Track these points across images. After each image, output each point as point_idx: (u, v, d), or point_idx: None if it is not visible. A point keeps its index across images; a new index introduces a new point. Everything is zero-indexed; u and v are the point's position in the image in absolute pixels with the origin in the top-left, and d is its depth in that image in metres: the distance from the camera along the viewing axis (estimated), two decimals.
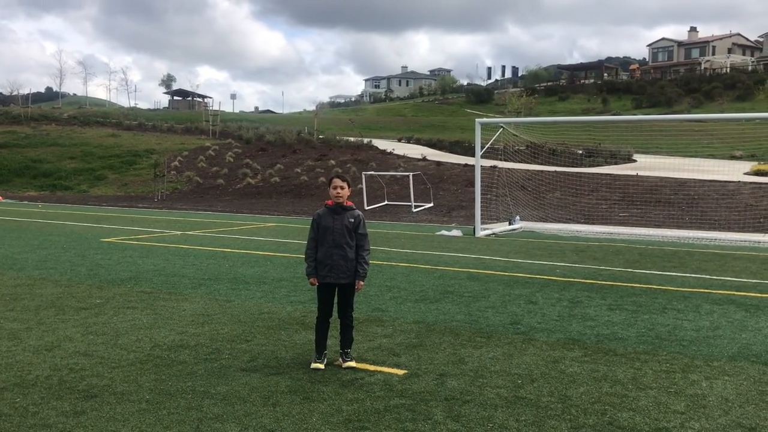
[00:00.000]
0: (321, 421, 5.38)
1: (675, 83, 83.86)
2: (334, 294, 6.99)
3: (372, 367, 6.85)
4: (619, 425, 5.39)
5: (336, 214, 6.87)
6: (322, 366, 6.79)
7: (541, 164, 33.02)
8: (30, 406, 5.64)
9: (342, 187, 6.84)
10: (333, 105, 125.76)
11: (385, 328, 8.56)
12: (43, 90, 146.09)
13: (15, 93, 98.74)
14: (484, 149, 23.17)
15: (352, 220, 6.86)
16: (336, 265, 6.81)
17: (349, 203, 6.96)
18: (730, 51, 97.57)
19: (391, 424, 5.35)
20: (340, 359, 6.93)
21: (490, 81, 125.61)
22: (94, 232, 20.65)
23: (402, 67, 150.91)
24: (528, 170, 31.71)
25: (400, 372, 6.72)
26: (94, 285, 11.37)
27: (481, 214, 22.43)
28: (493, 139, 24.15)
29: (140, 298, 10.33)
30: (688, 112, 58.93)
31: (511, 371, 6.79)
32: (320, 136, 53.94)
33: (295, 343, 7.77)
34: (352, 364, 6.86)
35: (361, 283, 6.96)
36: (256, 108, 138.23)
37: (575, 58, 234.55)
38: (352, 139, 51.67)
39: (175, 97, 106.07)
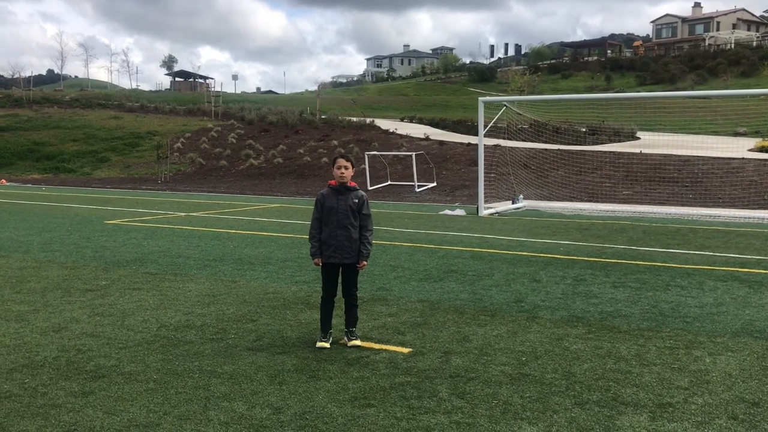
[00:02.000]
0: (327, 399, 5.43)
1: (679, 60, 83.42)
2: (338, 274, 7.02)
3: (377, 346, 6.90)
4: (623, 401, 5.43)
5: (340, 194, 6.88)
6: (327, 345, 6.84)
7: (545, 142, 32.97)
8: (39, 387, 5.69)
9: (346, 167, 6.85)
10: (335, 85, 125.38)
11: (390, 307, 8.61)
12: (44, 72, 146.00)
13: (16, 76, 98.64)
14: (487, 128, 23.12)
15: (356, 201, 6.87)
16: (340, 245, 6.83)
17: (353, 183, 6.97)
18: (734, 26, 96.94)
19: (397, 401, 5.40)
20: (345, 338, 6.98)
21: (492, 59, 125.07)
22: (98, 214, 20.71)
23: (404, 45, 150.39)
24: (531, 149, 31.67)
25: (405, 350, 6.76)
26: (99, 267, 11.42)
27: (485, 193, 22.42)
28: (496, 117, 24.09)
29: (146, 279, 10.38)
30: (692, 89, 58.61)
31: (515, 349, 6.83)
32: (322, 117, 53.83)
33: (301, 323, 7.82)
34: (357, 342, 6.91)
35: (364, 263, 6.99)
36: (258, 89, 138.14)
37: (578, 36, 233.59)
38: (354, 119, 51.56)
39: (177, 79, 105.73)
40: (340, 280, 7.06)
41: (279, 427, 4.88)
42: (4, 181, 40.49)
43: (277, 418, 5.06)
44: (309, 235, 7.03)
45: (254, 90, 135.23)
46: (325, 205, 6.90)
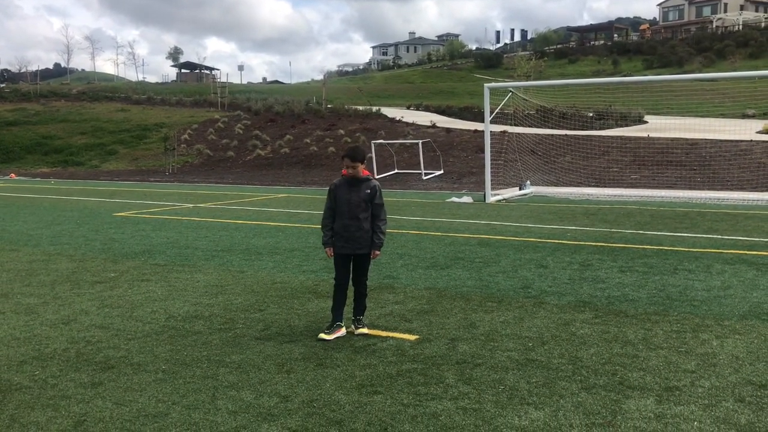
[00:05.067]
0: (334, 387, 5.46)
1: (686, 42, 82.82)
2: (350, 263, 7.01)
3: (384, 333, 6.92)
4: (630, 385, 5.44)
5: (352, 185, 6.83)
6: (328, 338, 6.73)
7: (552, 128, 32.85)
8: (49, 379, 5.75)
9: (353, 167, 6.78)
10: (341, 74, 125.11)
11: (397, 295, 8.63)
12: (51, 66, 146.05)
13: (23, 70, 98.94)
14: (494, 114, 23.05)
15: (369, 191, 6.82)
16: (352, 237, 6.82)
17: (366, 173, 6.92)
18: (742, 8, 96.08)
19: (404, 388, 5.42)
20: (353, 326, 7.00)
21: (499, 45, 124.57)
22: (106, 206, 20.79)
23: (410, 33, 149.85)
24: (538, 134, 31.57)
25: (412, 337, 6.79)
26: (108, 259, 11.49)
27: (492, 180, 22.40)
28: (503, 103, 24.02)
29: (154, 270, 10.43)
30: (700, 72, 58.21)
31: (521, 334, 6.84)
32: (329, 106, 53.77)
33: (308, 312, 7.85)
34: (365, 330, 6.92)
35: (377, 252, 6.99)
36: (264, 79, 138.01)
37: (585, 20, 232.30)
38: (360, 108, 51.47)
39: (183, 70, 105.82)
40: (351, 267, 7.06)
41: (286, 415, 4.92)
42: (13, 175, 40.67)
43: (284, 406, 5.09)
44: (321, 224, 7.01)
45: (260, 80, 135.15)
46: (338, 196, 6.86)
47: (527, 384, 5.48)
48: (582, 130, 33.79)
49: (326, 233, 6.95)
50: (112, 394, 5.36)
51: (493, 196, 21.66)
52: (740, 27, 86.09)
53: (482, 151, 25.74)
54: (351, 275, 7.04)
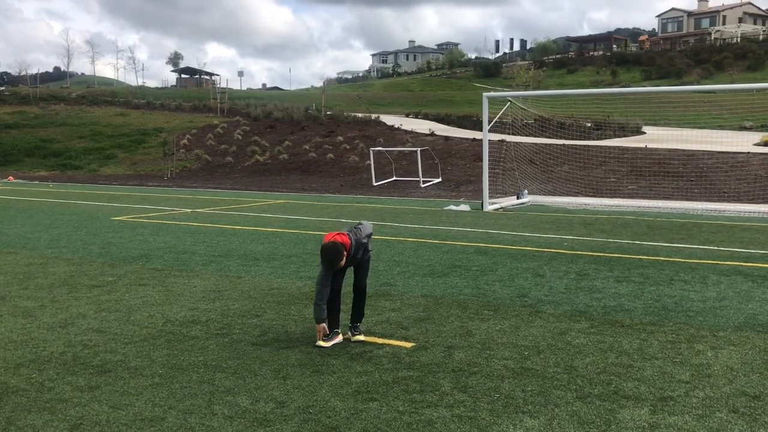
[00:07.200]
0: (330, 393, 5.48)
1: (685, 54, 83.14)
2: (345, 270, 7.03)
3: (380, 341, 6.94)
4: (624, 395, 5.47)
5: (351, 261, 6.88)
6: (326, 344, 6.76)
7: (550, 137, 32.93)
8: (46, 382, 5.76)
9: (340, 265, 6.70)
10: (340, 81, 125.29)
11: (394, 302, 8.65)
12: (51, 70, 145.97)
13: (23, 73, 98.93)
14: (492, 123, 23.11)
15: (358, 257, 6.89)
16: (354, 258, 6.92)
17: (346, 241, 6.69)
18: (740, 20, 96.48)
19: (400, 395, 5.44)
20: (350, 333, 7.02)
21: (498, 54, 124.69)
22: (105, 210, 20.80)
23: (409, 41, 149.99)
24: (536, 144, 31.64)
25: (408, 345, 6.81)
26: (105, 263, 11.50)
27: (489, 189, 22.43)
28: (501, 113, 24.10)
29: (152, 275, 10.45)
30: (698, 83, 58.46)
31: (517, 343, 6.87)
32: (328, 113, 53.85)
33: (305, 318, 7.86)
34: (361, 337, 6.95)
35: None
36: (264, 85, 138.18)
37: (585, 30, 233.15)
38: (359, 115, 51.54)
39: (183, 75, 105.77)
40: (353, 275, 7.10)
41: (282, 421, 4.94)
42: (11, 178, 40.65)
43: (280, 411, 5.11)
44: (316, 294, 6.72)
45: (260, 86, 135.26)
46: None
47: (522, 392, 5.51)
48: (580, 140, 33.88)
49: (323, 309, 6.70)
50: (109, 398, 5.38)
51: (490, 205, 21.70)
52: (738, 39, 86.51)
53: (480, 159, 25.78)
54: (345, 283, 7.05)
